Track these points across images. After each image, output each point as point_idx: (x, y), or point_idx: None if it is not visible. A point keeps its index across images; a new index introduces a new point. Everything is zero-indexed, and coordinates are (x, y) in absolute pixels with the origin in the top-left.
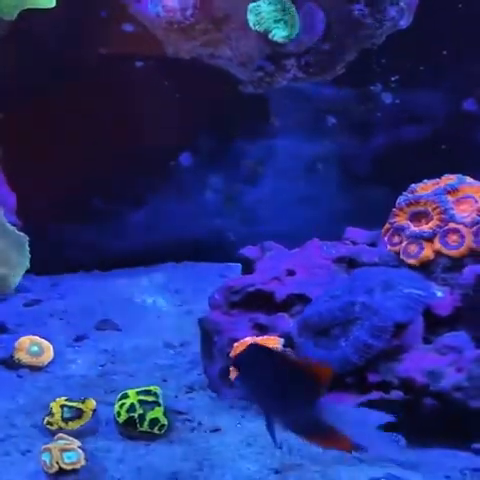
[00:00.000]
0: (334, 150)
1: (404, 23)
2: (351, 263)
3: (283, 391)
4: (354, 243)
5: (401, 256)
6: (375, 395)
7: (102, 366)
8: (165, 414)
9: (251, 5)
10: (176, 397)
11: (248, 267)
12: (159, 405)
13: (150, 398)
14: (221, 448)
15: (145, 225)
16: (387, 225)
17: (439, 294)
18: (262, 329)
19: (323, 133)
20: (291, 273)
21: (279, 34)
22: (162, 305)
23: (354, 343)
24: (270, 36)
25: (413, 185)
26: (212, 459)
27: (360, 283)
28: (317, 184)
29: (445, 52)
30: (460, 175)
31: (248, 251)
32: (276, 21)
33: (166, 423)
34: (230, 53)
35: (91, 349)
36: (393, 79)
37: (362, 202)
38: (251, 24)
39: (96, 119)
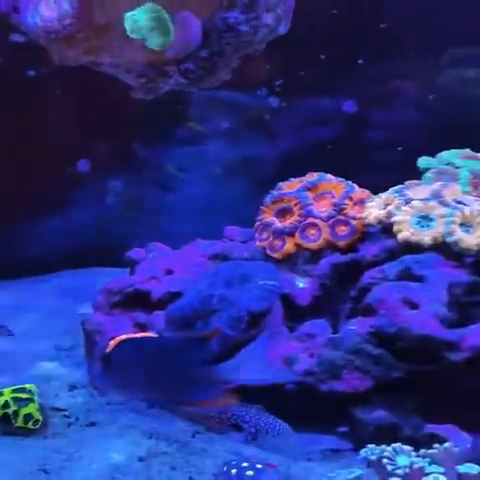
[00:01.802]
0: (232, 154)
1: (282, 29)
2: (224, 259)
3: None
4: (231, 240)
5: (267, 251)
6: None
7: None
8: (40, 410)
9: (127, 14)
10: (57, 395)
11: (133, 269)
12: (33, 401)
13: (24, 395)
14: (93, 441)
15: (50, 232)
16: (257, 222)
17: (301, 285)
18: (142, 327)
19: (220, 137)
20: (169, 272)
21: (153, 42)
22: (62, 310)
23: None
24: (146, 44)
25: (280, 183)
26: (82, 451)
27: (221, 277)
28: (218, 187)
29: (323, 56)
30: (321, 173)
31: (134, 253)
32: (151, 29)
33: (40, 418)
34: (112, 60)
35: None
36: (278, 83)
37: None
38: (128, 32)
39: None
